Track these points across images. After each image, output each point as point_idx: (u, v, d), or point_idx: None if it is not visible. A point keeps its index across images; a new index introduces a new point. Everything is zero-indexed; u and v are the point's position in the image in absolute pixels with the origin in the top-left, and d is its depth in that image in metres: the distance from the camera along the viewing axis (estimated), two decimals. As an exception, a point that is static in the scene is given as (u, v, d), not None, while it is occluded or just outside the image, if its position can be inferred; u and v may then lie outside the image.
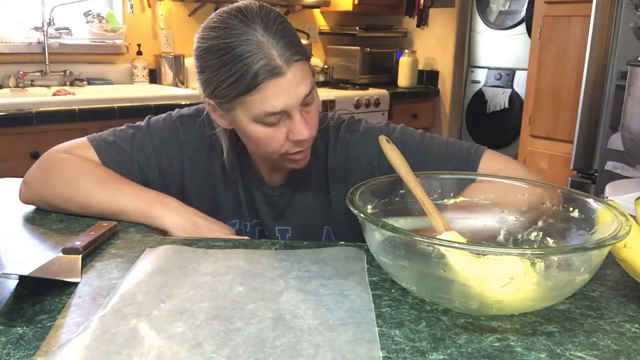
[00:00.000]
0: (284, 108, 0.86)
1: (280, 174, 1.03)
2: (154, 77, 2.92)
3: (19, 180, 0.99)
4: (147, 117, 1.05)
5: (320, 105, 0.97)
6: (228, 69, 0.85)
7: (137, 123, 1.03)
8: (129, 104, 2.27)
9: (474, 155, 0.98)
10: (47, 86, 2.58)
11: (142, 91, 2.69)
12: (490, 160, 0.97)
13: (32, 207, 0.98)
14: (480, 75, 3.61)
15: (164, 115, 1.04)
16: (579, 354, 0.56)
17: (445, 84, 3.57)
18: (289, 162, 0.94)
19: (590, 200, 0.72)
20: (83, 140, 1.00)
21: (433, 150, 0.98)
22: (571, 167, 2.41)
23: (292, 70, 0.85)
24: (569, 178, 2.42)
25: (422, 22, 3.58)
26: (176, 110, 1.05)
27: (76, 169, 0.94)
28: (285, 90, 0.85)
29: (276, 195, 1.04)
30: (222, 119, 0.93)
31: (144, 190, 0.95)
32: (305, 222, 1.04)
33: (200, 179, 1.02)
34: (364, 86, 3.31)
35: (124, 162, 0.98)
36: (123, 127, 1.03)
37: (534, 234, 0.78)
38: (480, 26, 3.55)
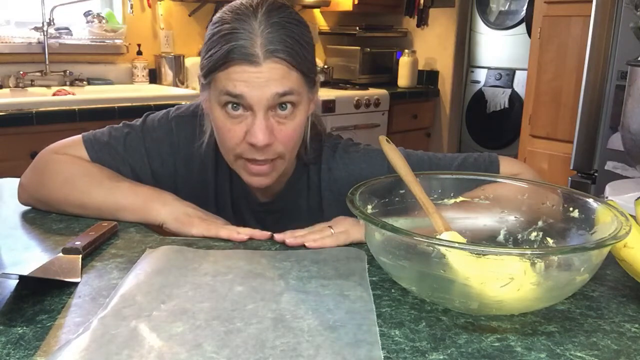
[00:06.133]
0: (244, 94, 0.82)
1: (268, 191, 1.00)
2: (154, 77, 2.92)
3: (19, 180, 0.99)
4: (145, 114, 1.03)
5: (304, 130, 0.92)
6: (213, 41, 0.84)
7: (134, 121, 1.01)
8: (129, 104, 2.27)
9: (490, 163, 0.97)
10: (47, 86, 2.58)
11: (142, 91, 2.69)
12: (511, 166, 0.97)
13: (31, 207, 0.98)
14: (480, 75, 3.61)
15: (161, 113, 1.02)
16: (579, 354, 0.56)
17: (445, 84, 3.56)
18: (246, 174, 0.90)
19: (590, 200, 0.72)
20: (77, 138, 0.99)
21: (446, 166, 0.97)
22: (571, 167, 2.41)
23: (269, 66, 0.81)
24: (569, 178, 2.42)
25: (422, 22, 3.58)
26: (175, 107, 1.03)
27: (71, 170, 0.94)
28: (252, 79, 0.81)
29: (263, 213, 1.02)
30: (206, 100, 0.90)
31: (140, 186, 0.94)
32: None
33: (193, 182, 1.00)
34: (363, 86, 3.31)
35: (116, 164, 0.97)
36: (119, 125, 1.01)
37: (534, 234, 0.78)
38: (480, 26, 3.55)
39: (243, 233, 0.85)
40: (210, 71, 0.85)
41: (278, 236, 0.84)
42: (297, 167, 1.00)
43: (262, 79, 0.81)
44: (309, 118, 0.95)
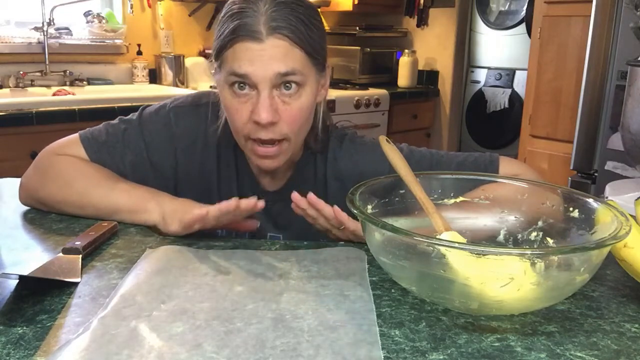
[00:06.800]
0: (248, 73, 0.83)
1: (274, 179, 1.01)
2: (154, 77, 2.92)
3: (19, 180, 0.99)
4: (141, 107, 1.02)
5: (310, 113, 0.92)
6: (223, 22, 0.86)
7: (130, 115, 1.01)
8: (129, 104, 2.26)
9: (490, 163, 0.97)
10: (47, 86, 2.58)
11: (142, 91, 2.69)
12: (511, 166, 0.97)
13: (31, 207, 0.98)
14: (480, 75, 3.61)
15: (157, 105, 1.02)
16: (579, 354, 0.56)
17: (445, 84, 3.56)
18: (255, 156, 0.91)
19: (590, 200, 0.72)
20: (74, 137, 0.99)
21: (447, 164, 0.97)
22: (571, 167, 2.41)
23: (272, 42, 0.83)
24: (569, 178, 2.42)
25: (422, 22, 3.58)
26: (171, 99, 1.03)
27: (70, 171, 0.94)
28: (256, 57, 0.83)
29: (269, 201, 1.01)
30: (219, 83, 0.91)
31: (136, 188, 0.94)
32: (299, 230, 0.98)
33: (194, 172, 1.00)
34: (364, 86, 3.30)
35: (115, 162, 0.97)
36: (116, 121, 1.01)
37: (534, 234, 0.78)
38: (480, 26, 3.55)
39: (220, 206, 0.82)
40: (219, 51, 0.86)
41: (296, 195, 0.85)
42: (304, 154, 1.00)
43: (266, 56, 0.83)
44: (321, 104, 0.96)
